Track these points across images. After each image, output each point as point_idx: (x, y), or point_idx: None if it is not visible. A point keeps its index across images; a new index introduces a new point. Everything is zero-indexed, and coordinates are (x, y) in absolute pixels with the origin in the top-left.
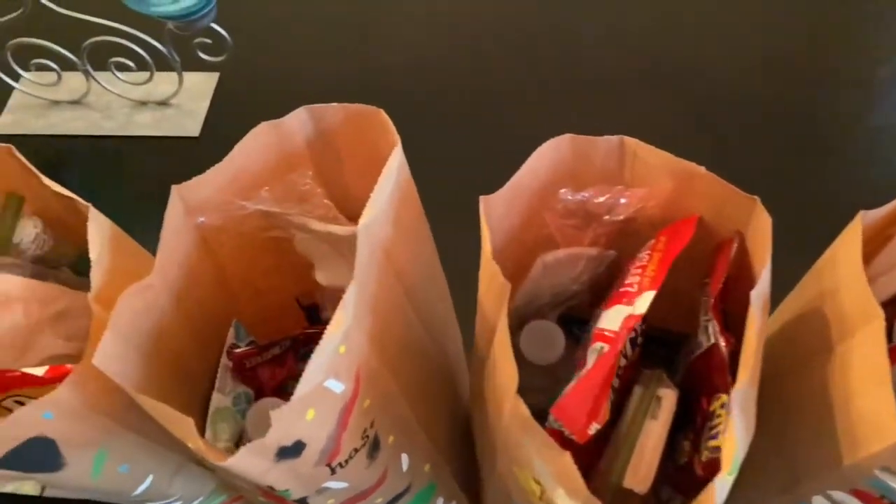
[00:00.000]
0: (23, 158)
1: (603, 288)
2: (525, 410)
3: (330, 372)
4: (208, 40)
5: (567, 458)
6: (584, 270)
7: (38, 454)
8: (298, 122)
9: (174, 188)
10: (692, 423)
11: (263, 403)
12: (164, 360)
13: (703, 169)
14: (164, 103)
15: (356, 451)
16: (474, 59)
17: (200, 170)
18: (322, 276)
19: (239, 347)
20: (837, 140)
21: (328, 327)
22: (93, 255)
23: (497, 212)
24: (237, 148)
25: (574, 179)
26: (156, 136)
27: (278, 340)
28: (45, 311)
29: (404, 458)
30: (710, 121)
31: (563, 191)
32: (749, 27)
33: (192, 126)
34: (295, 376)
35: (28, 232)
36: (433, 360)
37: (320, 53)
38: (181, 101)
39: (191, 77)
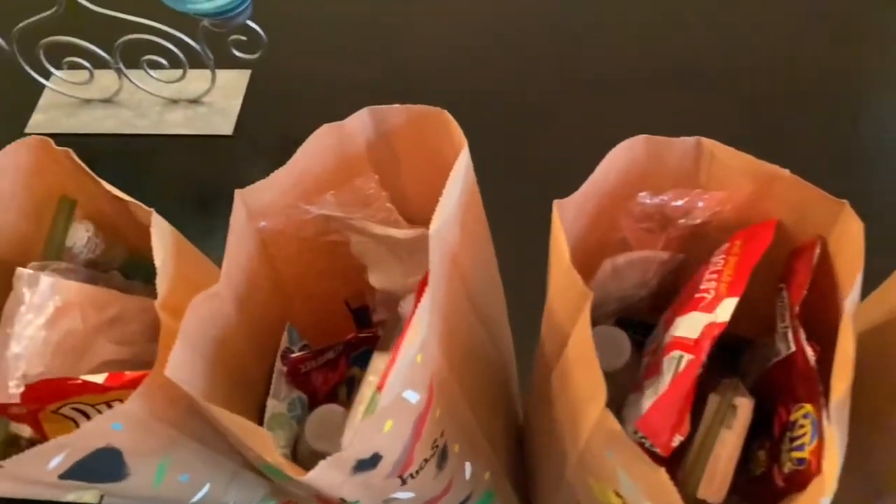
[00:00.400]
0: (79, 161)
1: (669, 291)
2: (615, 424)
3: (407, 382)
4: (243, 37)
5: (662, 473)
6: (654, 274)
7: (105, 464)
8: (360, 123)
9: (237, 193)
10: (768, 432)
11: (323, 411)
12: (226, 366)
13: (786, 172)
14: (196, 101)
15: (426, 461)
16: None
17: (234, 168)
18: (375, 279)
19: (293, 352)
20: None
21: (405, 336)
22: (157, 261)
23: (569, 215)
24: (300, 151)
25: (647, 182)
26: (188, 135)
27: (332, 345)
28: (101, 316)
29: (467, 466)
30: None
31: (641, 194)
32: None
33: (224, 124)
34: (345, 381)
35: (80, 236)
36: (492, 364)
37: (347, 51)
38: (214, 98)
39: (223, 74)
